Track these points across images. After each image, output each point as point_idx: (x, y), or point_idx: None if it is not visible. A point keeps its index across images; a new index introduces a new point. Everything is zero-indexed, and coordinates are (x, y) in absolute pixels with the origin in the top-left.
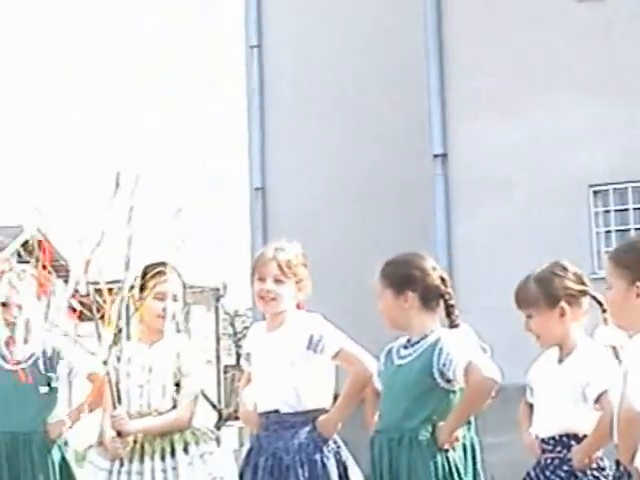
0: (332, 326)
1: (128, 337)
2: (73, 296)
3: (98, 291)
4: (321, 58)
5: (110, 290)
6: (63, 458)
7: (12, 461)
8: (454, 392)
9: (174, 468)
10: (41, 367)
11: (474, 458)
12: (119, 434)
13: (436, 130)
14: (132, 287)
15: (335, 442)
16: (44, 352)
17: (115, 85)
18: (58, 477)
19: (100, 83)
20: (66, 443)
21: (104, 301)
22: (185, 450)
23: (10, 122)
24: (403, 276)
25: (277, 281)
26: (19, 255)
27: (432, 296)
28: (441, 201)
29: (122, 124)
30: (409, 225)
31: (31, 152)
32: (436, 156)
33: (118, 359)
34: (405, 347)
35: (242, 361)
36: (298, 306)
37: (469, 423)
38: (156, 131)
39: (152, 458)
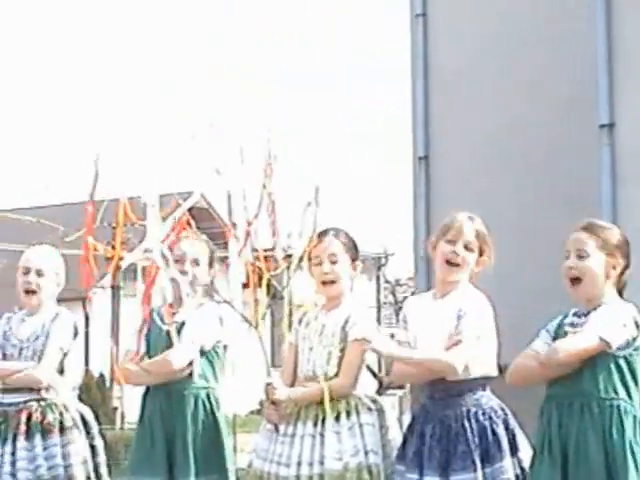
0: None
1: (290, 303)
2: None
3: (256, 259)
4: (487, 26)
5: (266, 258)
6: (213, 412)
7: (166, 417)
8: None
9: (322, 435)
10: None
11: None
12: (273, 402)
13: (602, 99)
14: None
15: (503, 410)
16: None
17: (272, 51)
18: (206, 435)
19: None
20: (217, 402)
21: (260, 269)
22: (337, 419)
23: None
24: (618, 244)
25: (467, 248)
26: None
27: (627, 266)
28: (607, 172)
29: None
30: (573, 195)
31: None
32: (602, 126)
33: (299, 322)
34: (578, 316)
35: (398, 331)
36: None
37: None
38: (319, 96)
39: (305, 424)
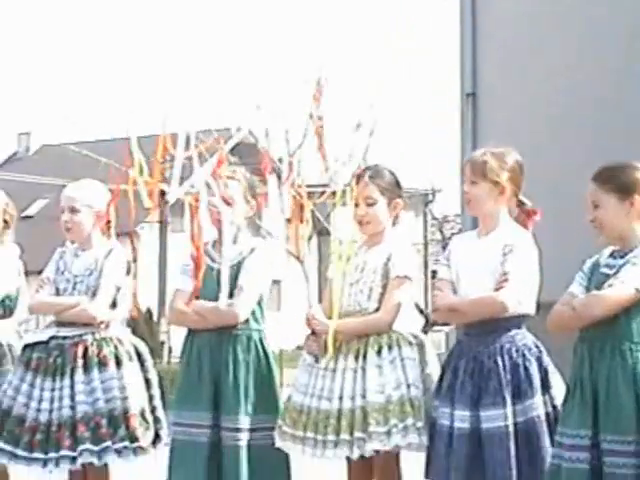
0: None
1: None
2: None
3: (298, 193)
4: None
5: (310, 194)
6: (266, 354)
7: (215, 356)
8: None
9: (363, 369)
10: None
11: None
12: (314, 333)
13: None
14: (335, 192)
15: (538, 347)
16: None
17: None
18: (260, 376)
19: None
20: (261, 340)
21: (302, 203)
22: (378, 353)
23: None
24: (628, 180)
25: (472, 182)
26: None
27: None
28: None
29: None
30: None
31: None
32: None
33: (347, 259)
34: (614, 257)
35: (440, 268)
36: (528, 214)
37: None
38: (371, 39)
39: (346, 358)
